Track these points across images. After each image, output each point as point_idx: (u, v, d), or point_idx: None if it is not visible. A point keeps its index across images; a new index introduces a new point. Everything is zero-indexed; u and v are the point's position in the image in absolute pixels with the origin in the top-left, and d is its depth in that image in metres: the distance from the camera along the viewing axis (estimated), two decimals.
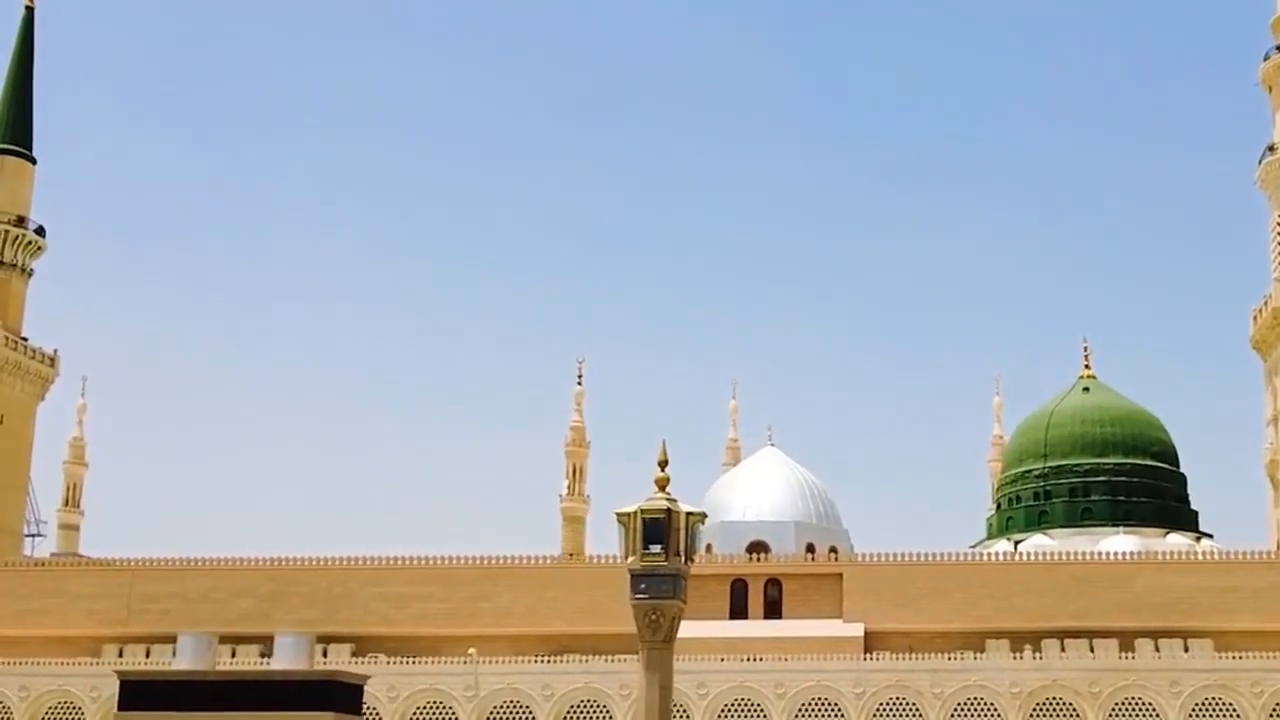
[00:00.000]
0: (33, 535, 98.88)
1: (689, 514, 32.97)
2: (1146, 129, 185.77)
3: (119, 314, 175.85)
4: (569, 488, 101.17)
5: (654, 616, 32.13)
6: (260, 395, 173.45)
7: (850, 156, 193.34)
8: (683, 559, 32.61)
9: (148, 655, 73.27)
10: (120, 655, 73.79)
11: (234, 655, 68.52)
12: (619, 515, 32.90)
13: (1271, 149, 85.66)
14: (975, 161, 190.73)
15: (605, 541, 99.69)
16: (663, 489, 33.27)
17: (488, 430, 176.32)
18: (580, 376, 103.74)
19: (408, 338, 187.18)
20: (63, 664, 70.32)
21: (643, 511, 32.38)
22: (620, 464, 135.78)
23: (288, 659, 34.72)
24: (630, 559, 32.32)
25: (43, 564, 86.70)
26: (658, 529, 32.26)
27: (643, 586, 32.18)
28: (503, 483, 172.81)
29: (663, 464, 33.84)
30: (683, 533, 32.65)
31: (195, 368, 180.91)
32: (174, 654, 72.18)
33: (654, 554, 32.12)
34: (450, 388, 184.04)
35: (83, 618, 76.93)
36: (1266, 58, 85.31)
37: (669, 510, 32.42)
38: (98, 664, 71.40)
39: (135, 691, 34.51)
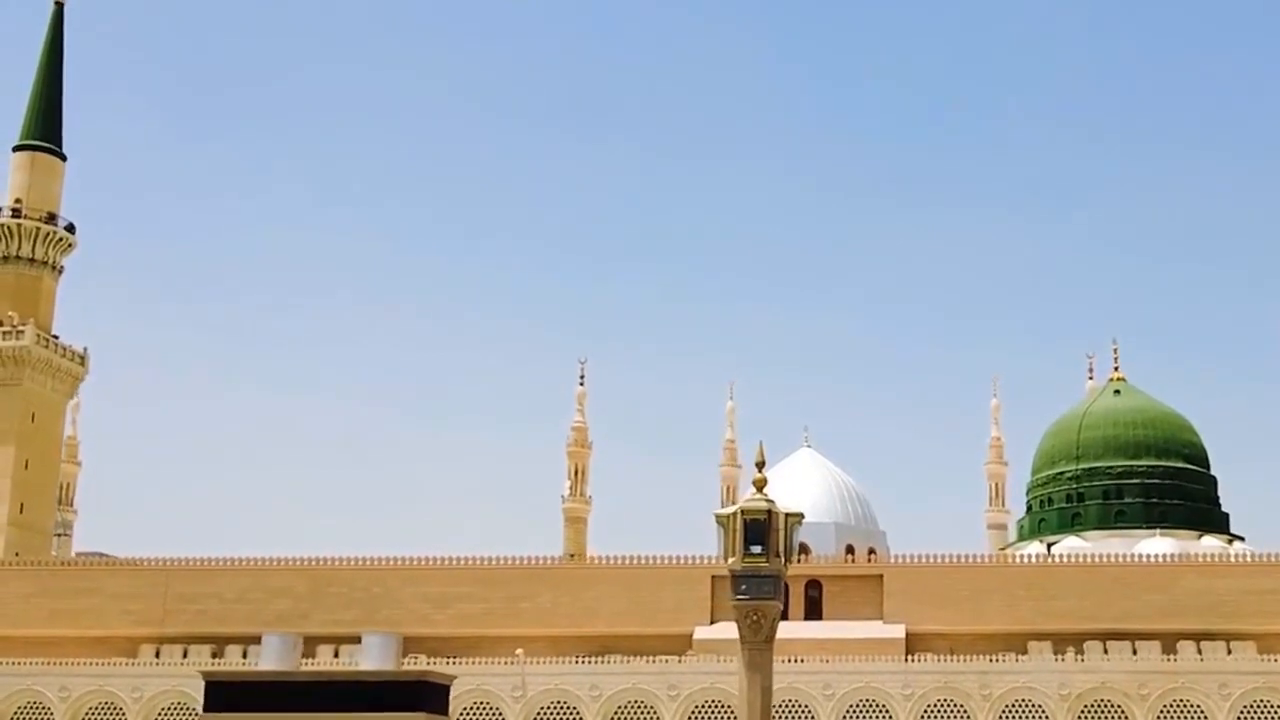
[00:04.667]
0: (59, 534, 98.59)
1: (788, 515, 32.75)
2: (1177, 129, 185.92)
3: (147, 312, 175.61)
4: (571, 488, 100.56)
5: (755, 617, 31.85)
6: (265, 397, 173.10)
7: (855, 160, 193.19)
8: (782, 560, 32.36)
9: (185, 655, 72.92)
10: (157, 656, 73.41)
11: None
12: (718, 517, 32.62)
13: None
14: (995, 164, 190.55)
15: (607, 542, 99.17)
16: (761, 490, 32.99)
17: (489, 431, 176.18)
18: (582, 377, 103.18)
19: (409, 338, 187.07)
20: (103, 664, 69.89)
21: (744, 512, 32.11)
22: (623, 464, 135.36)
23: (375, 659, 34.29)
24: (731, 559, 32.01)
25: (78, 563, 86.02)
26: (759, 530, 31.97)
27: (744, 587, 31.87)
28: (503, 483, 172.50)
29: (760, 465, 33.58)
30: (782, 533, 32.39)
31: (210, 370, 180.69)
32: (212, 655, 72.58)
33: (755, 555, 31.82)
34: (451, 388, 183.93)
35: (118, 618, 76.44)
36: None
37: (769, 511, 32.16)
38: (135, 664, 71.08)
39: (221, 693, 33.93)
